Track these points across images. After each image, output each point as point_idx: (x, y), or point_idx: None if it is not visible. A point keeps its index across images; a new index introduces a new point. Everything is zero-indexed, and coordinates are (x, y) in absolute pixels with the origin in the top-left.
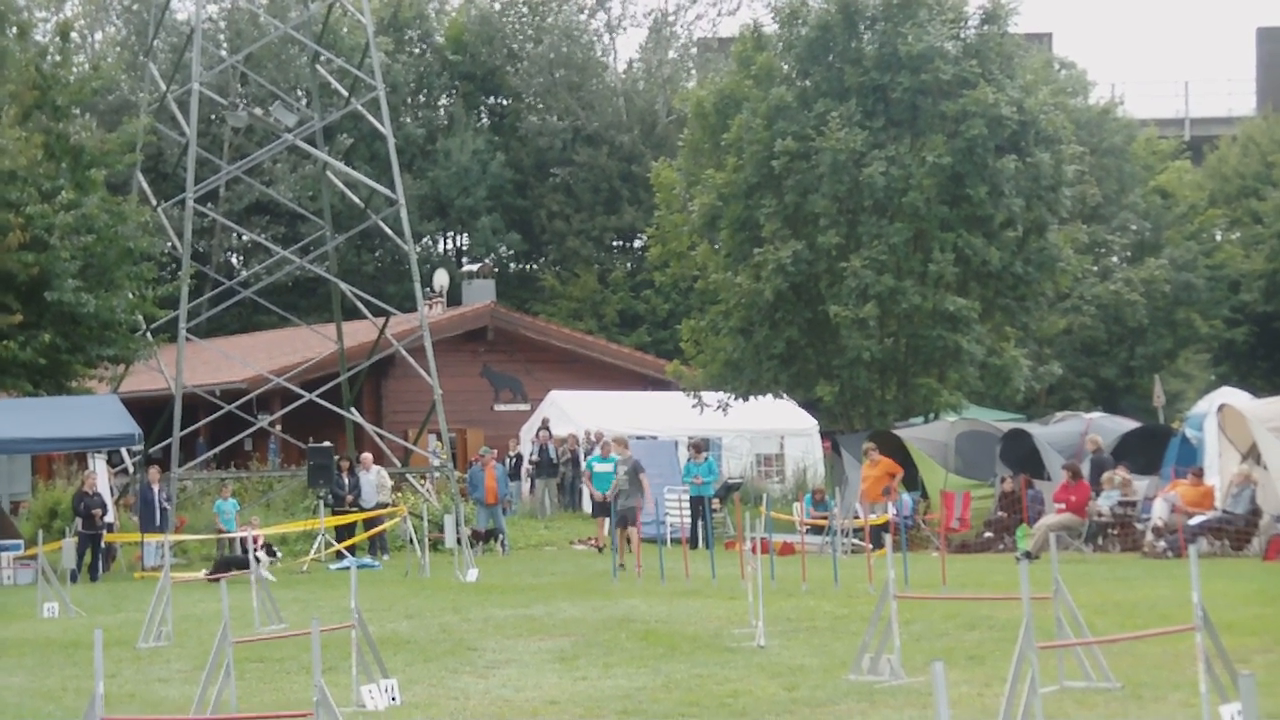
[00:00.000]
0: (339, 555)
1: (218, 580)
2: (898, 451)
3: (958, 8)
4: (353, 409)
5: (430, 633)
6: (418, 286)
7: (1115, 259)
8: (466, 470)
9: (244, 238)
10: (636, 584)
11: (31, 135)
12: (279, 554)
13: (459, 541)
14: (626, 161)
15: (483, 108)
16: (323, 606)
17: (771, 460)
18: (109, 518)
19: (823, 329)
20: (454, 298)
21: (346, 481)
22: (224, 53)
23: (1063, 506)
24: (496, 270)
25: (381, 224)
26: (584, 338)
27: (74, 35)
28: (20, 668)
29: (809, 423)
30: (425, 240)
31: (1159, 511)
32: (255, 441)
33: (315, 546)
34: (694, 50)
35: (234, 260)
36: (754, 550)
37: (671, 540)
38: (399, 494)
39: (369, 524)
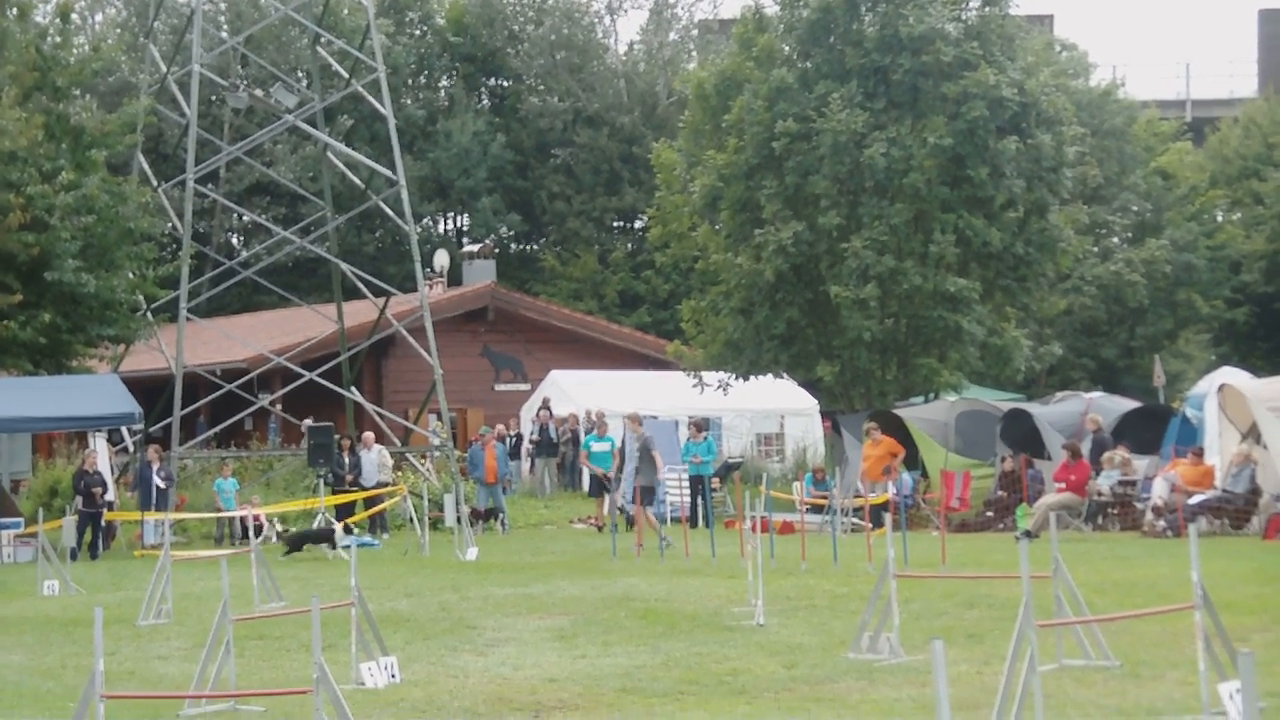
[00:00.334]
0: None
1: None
2: (898, 431)
3: None
4: (353, 389)
5: (430, 611)
6: (418, 267)
7: (1116, 240)
8: (467, 449)
9: (244, 218)
10: (636, 562)
11: (32, 116)
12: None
13: (459, 520)
14: (627, 143)
15: (483, 89)
16: (322, 585)
17: (771, 440)
18: (109, 496)
19: (823, 309)
20: (454, 278)
21: (347, 461)
22: (224, 34)
23: (1063, 486)
24: (497, 251)
25: (382, 205)
26: (584, 318)
27: (74, 16)
28: (20, 645)
29: (809, 402)
30: (426, 221)
31: (1159, 491)
32: (255, 421)
33: (316, 525)
34: (695, 32)
35: (234, 241)
36: (754, 529)
37: (671, 519)
38: (399, 473)
39: (369, 503)
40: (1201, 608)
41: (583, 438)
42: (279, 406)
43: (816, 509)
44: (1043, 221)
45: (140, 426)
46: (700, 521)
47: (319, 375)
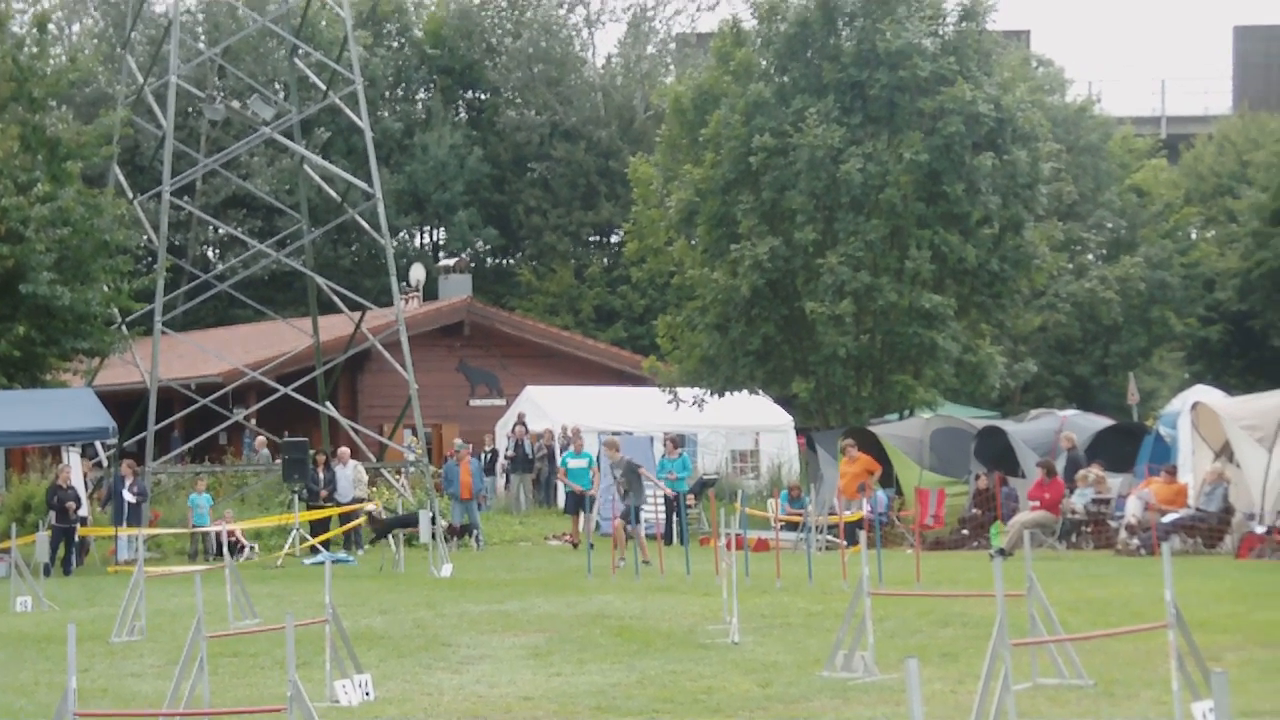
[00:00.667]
0: (313, 550)
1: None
2: (873, 448)
3: (936, 4)
4: (328, 403)
5: (404, 628)
6: (394, 281)
7: (1091, 256)
8: (442, 465)
9: (220, 231)
10: (611, 580)
11: (8, 127)
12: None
13: (434, 537)
14: (604, 157)
15: (461, 102)
16: (297, 601)
17: (747, 456)
18: (83, 511)
19: (799, 325)
20: (430, 292)
21: (322, 476)
22: (202, 46)
23: (1037, 504)
24: (473, 265)
25: (358, 218)
26: (560, 333)
27: (51, 27)
28: None
29: (784, 419)
30: (402, 234)
31: (1132, 509)
32: (230, 435)
33: (290, 541)
34: (672, 46)
35: (210, 253)
36: (728, 546)
37: (647, 536)
38: (374, 489)
39: (344, 519)
40: (1175, 627)
41: (558, 454)
42: (254, 421)
43: (791, 526)
44: (1018, 238)
45: (114, 441)
46: (675, 539)
47: (294, 390)
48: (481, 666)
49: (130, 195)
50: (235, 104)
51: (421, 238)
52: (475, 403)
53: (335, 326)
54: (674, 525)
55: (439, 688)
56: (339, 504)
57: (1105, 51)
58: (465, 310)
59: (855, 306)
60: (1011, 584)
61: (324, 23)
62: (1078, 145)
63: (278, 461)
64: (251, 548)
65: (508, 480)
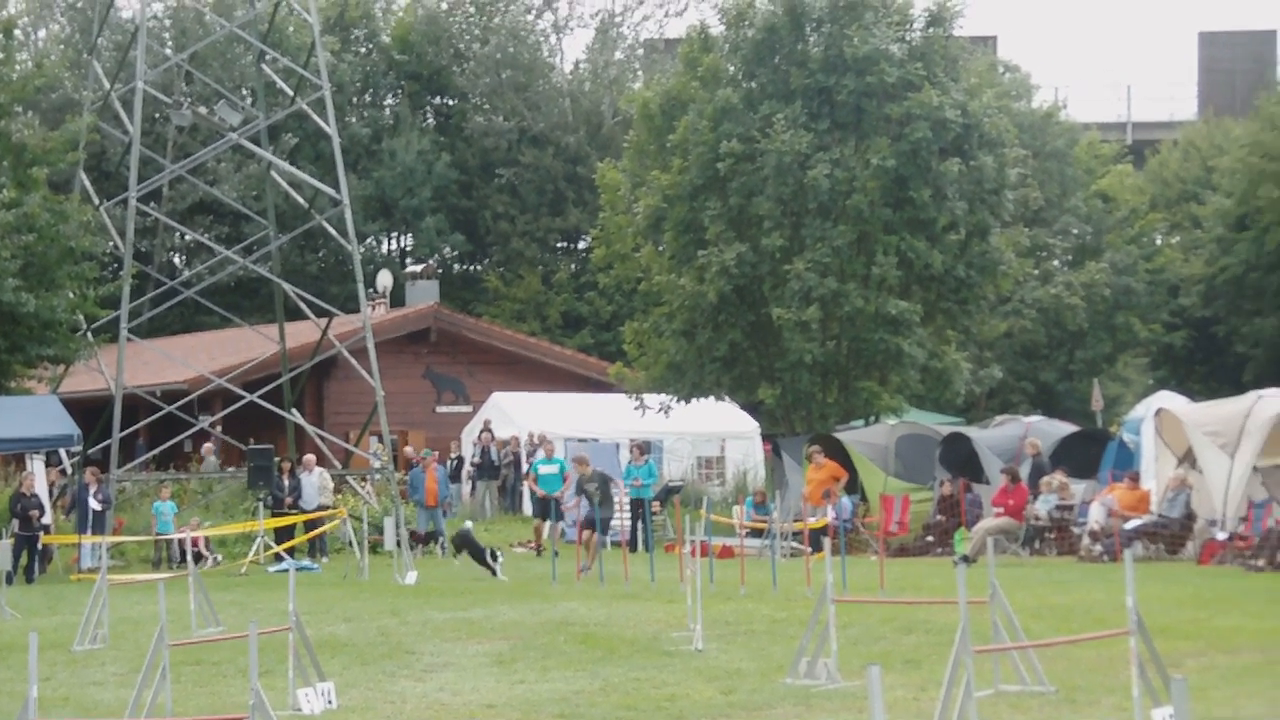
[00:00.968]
0: (278, 557)
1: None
2: (838, 455)
3: (903, 10)
4: (294, 410)
5: (368, 636)
6: (361, 287)
7: (1056, 262)
8: (408, 472)
9: (187, 237)
10: (576, 586)
11: None
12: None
13: (398, 544)
14: (572, 163)
15: (428, 108)
16: (260, 609)
17: (712, 463)
18: (46, 519)
19: (765, 331)
20: (397, 299)
21: (287, 483)
22: (169, 51)
23: (1001, 510)
24: (440, 271)
25: (325, 224)
26: (527, 339)
27: (17, 32)
28: None
29: (750, 425)
30: (369, 241)
31: (1095, 515)
32: (195, 443)
33: (254, 548)
34: (640, 51)
35: (176, 260)
36: (693, 553)
37: (611, 543)
38: (339, 496)
39: (309, 526)
40: (1136, 633)
41: (524, 461)
42: (219, 428)
43: (756, 533)
44: (984, 244)
45: (79, 448)
46: (640, 545)
47: (260, 397)
48: (445, 674)
49: (96, 201)
50: (202, 110)
51: (389, 244)
52: (442, 409)
53: (302, 333)
54: (639, 532)
55: (402, 695)
56: (304, 511)
57: (1071, 57)
58: (432, 317)
59: (822, 313)
60: (975, 590)
61: (291, 28)
62: (1044, 151)
63: (231, 469)
64: (214, 554)
65: (473, 487)
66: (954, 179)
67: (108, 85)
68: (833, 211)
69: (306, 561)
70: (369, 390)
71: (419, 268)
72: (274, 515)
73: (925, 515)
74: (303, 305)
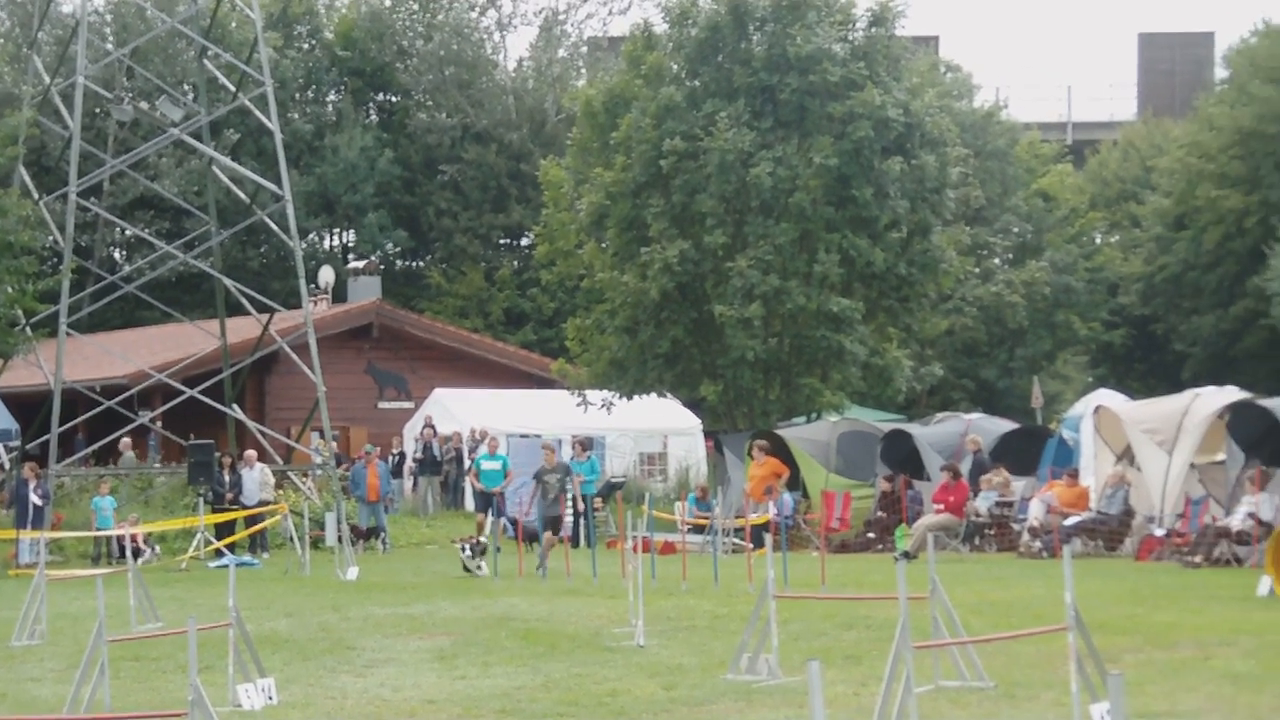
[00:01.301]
0: (218, 553)
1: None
2: (780, 451)
3: (846, 10)
4: (235, 406)
5: (309, 631)
6: (303, 283)
7: (997, 261)
8: (349, 468)
9: (127, 232)
10: (517, 582)
11: None
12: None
13: (340, 539)
14: (515, 160)
15: (371, 104)
16: (201, 605)
17: (655, 459)
18: None
19: (708, 328)
20: (339, 294)
21: (227, 479)
22: (110, 46)
23: (941, 507)
24: (383, 267)
25: (267, 220)
26: (470, 335)
27: None
28: None
29: (693, 422)
30: (311, 236)
31: (1035, 512)
32: (135, 438)
33: (195, 544)
34: (584, 49)
35: (117, 255)
36: (635, 549)
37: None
38: (281, 491)
39: (250, 521)
40: (1075, 629)
41: (467, 456)
42: (159, 424)
43: (698, 529)
44: (925, 242)
45: (17, 444)
46: (582, 541)
47: (200, 392)
48: (386, 670)
49: (36, 196)
50: (143, 105)
51: (331, 240)
52: (384, 405)
53: (243, 328)
54: (581, 528)
55: (343, 691)
56: (245, 507)
57: (1013, 58)
58: (374, 313)
59: (764, 310)
60: (915, 586)
61: (234, 24)
62: (985, 150)
63: (172, 465)
64: (153, 549)
65: (415, 483)
66: (896, 178)
67: (48, 80)
68: (775, 209)
69: (247, 557)
70: (311, 386)
71: (361, 264)
72: (215, 511)
73: (866, 511)
74: (244, 301)
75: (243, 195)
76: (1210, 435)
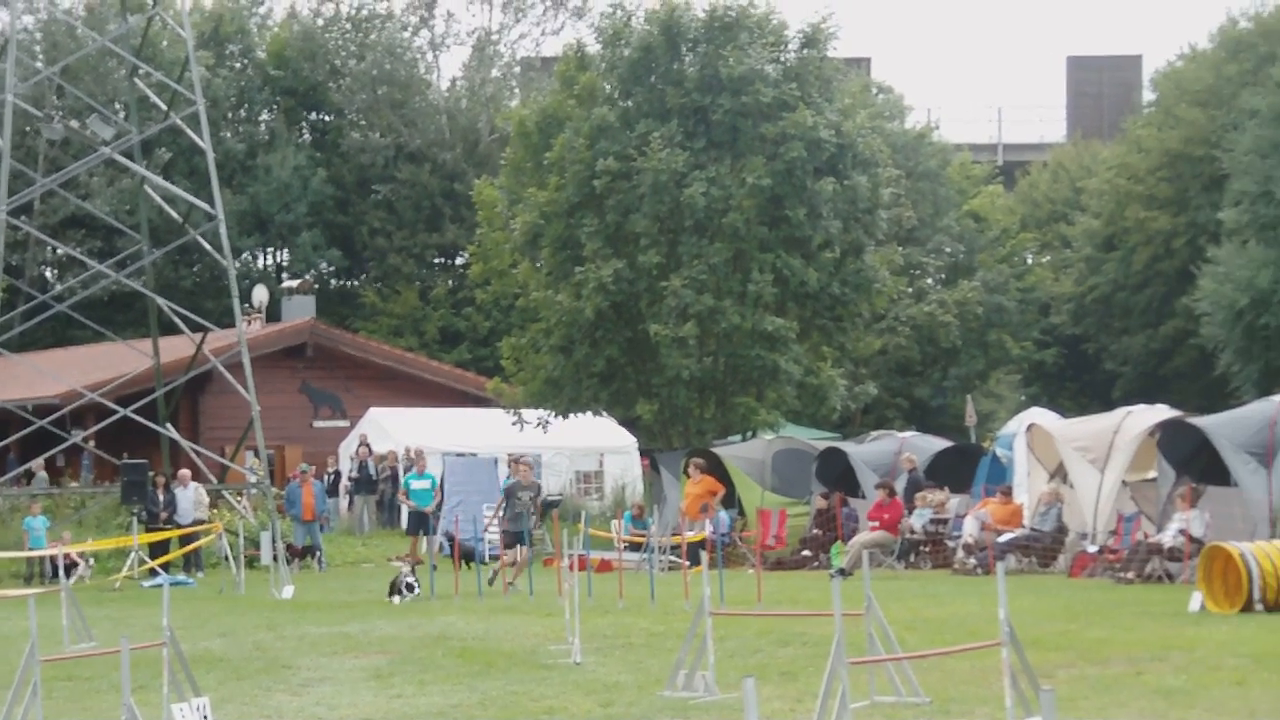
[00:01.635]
0: (153, 572)
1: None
2: (716, 469)
3: (778, 31)
4: (169, 425)
5: (244, 650)
6: (236, 302)
7: (930, 281)
8: (284, 487)
9: (59, 251)
10: (454, 601)
11: None
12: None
13: (275, 558)
14: (449, 179)
15: (304, 123)
16: (135, 624)
17: (591, 477)
18: None
19: (643, 347)
20: (273, 314)
21: (161, 498)
22: (40, 64)
23: (876, 524)
24: (317, 286)
25: (200, 239)
26: (404, 354)
27: None
28: None
29: (628, 440)
30: (245, 256)
31: (969, 529)
32: (68, 458)
33: (128, 563)
34: (517, 69)
35: (48, 274)
36: (571, 567)
37: (490, 557)
38: (215, 510)
39: (184, 541)
40: (1008, 645)
41: (402, 475)
42: (92, 443)
43: (635, 547)
44: (858, 262)
45: None
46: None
47: (134, 411)
48: (322, 688)
49: None
50: (74, 124)
51: (265, 259)
52: (318, 424)
53: (176, 348)
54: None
55: (278, 710)
56: (179, 526)
57: (944, 80)
58: (309, 332)
59: (698, 329)
60: (850, 603)
61: (165, 43)
62: (917, 171)
63: (105, 485)
64: (88, 563)
65: (351, 502)
66: (829, 198)
67: None
68: (709, 229)
69: (182, 576)
70: (245, 405)
71: (295, 283)
72: (149, 530)
73: (802, 529)
74: (177, 320)
75: (175, 214)
76: (1142, 453)
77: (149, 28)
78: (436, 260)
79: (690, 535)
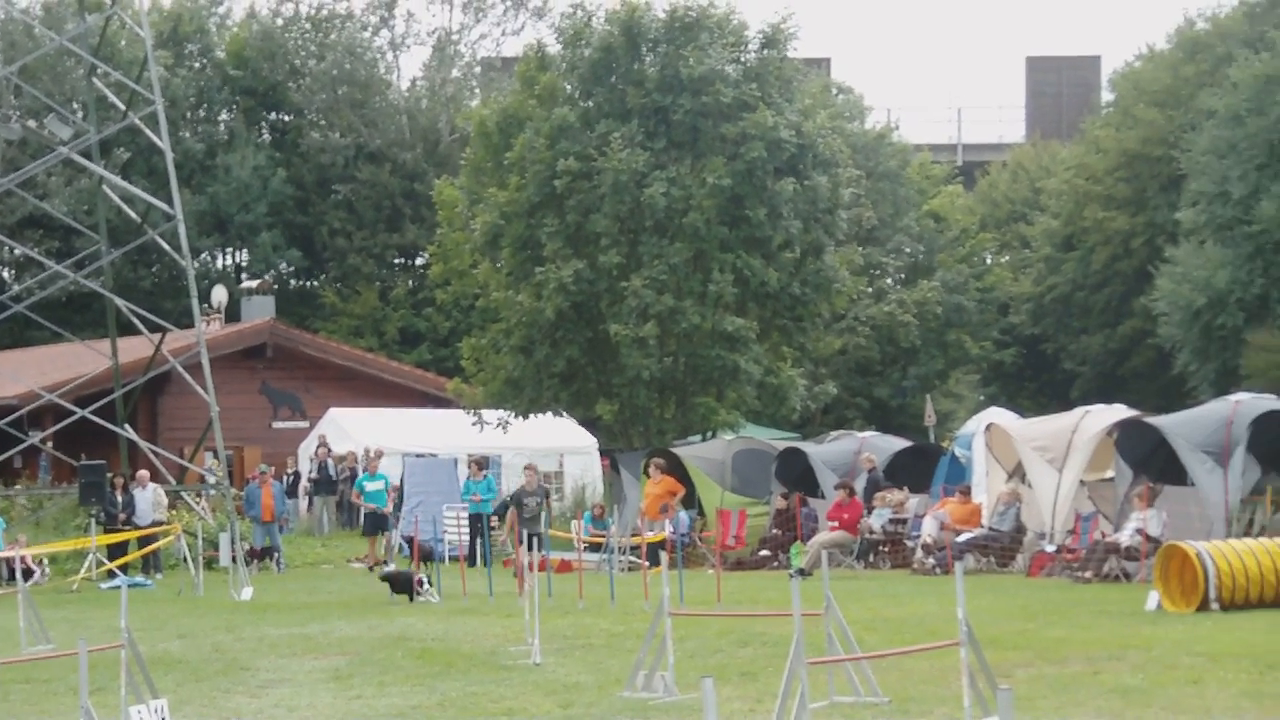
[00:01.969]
0: (111, 574)
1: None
2: (676, 469)
3: (738, 31)
4: (127, 426)
5: (203, 652)
6: (195, 302)
7: (889, 281)
8: (243, 488)
9: (16, 252)
10: (414, 602)
11: None
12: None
13: (234, 559)
14: (409, 179)
15: (264, 123)
16: (93, 626)
17: (551, 478)
18: None
19: (603, 348)
20: (233, 314)
21: (120, 499)
22: None
23: (836, 524)
24: (276, 287)
25: (159, 239)
26: (364, 355)
27: None
28: None
29: (588, 441)
30: (204, 256)
31: (928, 529)
32: (26, 459)
33: (86, 565)
34: (478, 69)
35: (5, 274)
36: (531, 568)
37: (449, 558)
38: (174, 512)
39: (143, 542)
40: (967, 644)
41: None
42: (50, 444)
43: (595, 547)
44: (818, 262)
45: None
46: (478, 560)
47: (92, 412)
48: (281, 690)
49: None
50: (32, 123)
51: (224, 259)
52: (278, 425)
53: (135, 348)
54: (477, 547)
55: (237, 712)
56: (138, 527)
57: (903, 80)
58: (268, 332)
59: (659, 329)
60: (810, 603)
61: (123, 42)
62: (877, 171)
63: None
64: (42, 569)
65: (310, 502)
66: (789, 198)
67: None
68: (669, 229)
69: (140, 578)
70: (204, 406)
71: (255, 283)
72: (107, 531)
73: (761, 529)
74: (136, 320)
75: (134, 214)
76: (1099, 452)
77: (107, 27)
78: (397, 260)
79: (650, 535)
